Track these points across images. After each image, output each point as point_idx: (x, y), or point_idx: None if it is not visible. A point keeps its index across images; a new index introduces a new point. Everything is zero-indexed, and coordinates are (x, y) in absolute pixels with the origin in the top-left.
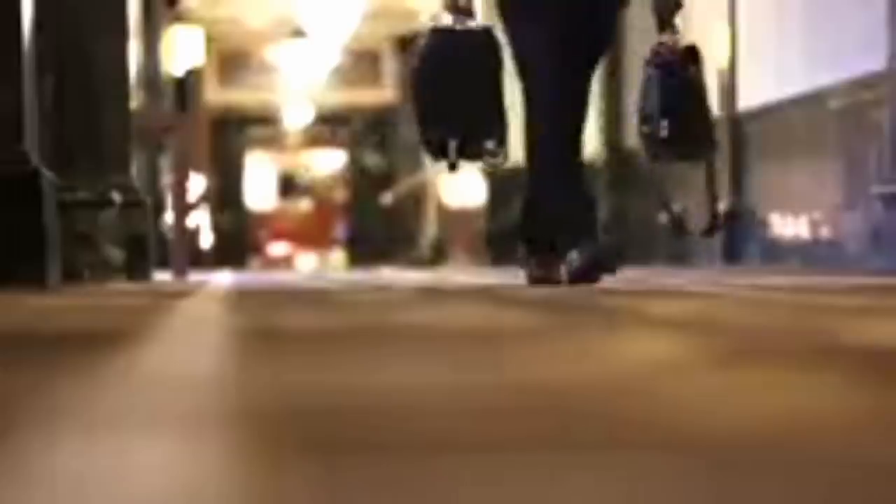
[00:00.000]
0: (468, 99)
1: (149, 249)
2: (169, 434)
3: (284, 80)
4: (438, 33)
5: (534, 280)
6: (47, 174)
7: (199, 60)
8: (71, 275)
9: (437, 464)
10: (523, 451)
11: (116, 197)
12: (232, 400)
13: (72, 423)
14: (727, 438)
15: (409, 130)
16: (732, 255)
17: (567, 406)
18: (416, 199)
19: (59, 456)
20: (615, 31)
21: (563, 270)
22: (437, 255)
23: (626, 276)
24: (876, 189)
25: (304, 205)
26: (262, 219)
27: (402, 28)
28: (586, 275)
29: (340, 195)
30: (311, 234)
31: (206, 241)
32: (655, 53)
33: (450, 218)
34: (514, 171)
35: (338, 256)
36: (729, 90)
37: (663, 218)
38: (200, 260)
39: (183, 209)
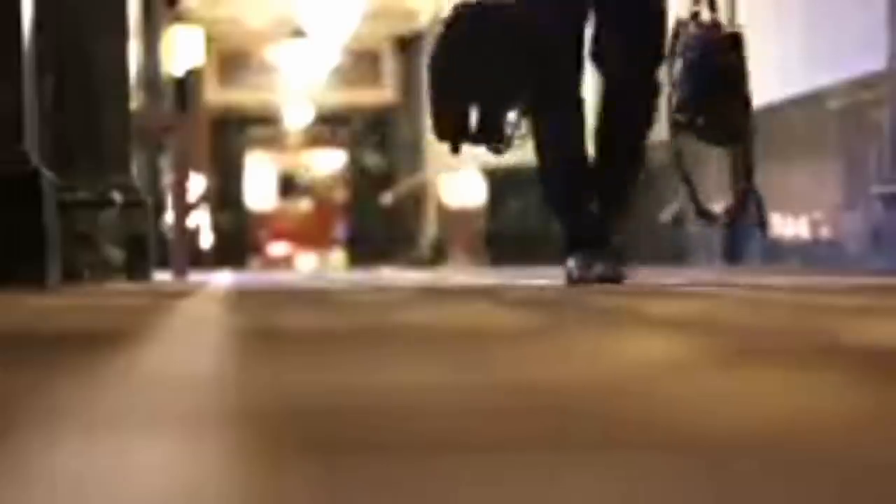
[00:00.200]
0: (495, 66)
1: (149, 249)
2: (169, 434)
3: (284, 80)
4: (467, 5)
5: (574, 280)
6: (47, 174)
7: (199, 60)
8: (71, 275)
9: (437, 464)
10: (524, 451)
11: (116, 197)
12: (232, 400)
13: (72, 423)
14: (727, 438)
15: (409, 130)
16: (732, 254)
17: (568, 406)
18: (416, 199)
19: (58, 456)
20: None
21: (601, 269)
22: (437, 256)
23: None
24: (876, 189)
25: (304, 205)
26: (262, 219)
27: (402, 28)
28: (616, 276)
29: (340, 195)
30: (311, 234)
31: (206, 241)
32: (694, 36)
33: (450, 218)
34: (514, 171)
35: (338, 256)
36: None
37: (672, 210)
38: (200, 260)
39: (183, 209)
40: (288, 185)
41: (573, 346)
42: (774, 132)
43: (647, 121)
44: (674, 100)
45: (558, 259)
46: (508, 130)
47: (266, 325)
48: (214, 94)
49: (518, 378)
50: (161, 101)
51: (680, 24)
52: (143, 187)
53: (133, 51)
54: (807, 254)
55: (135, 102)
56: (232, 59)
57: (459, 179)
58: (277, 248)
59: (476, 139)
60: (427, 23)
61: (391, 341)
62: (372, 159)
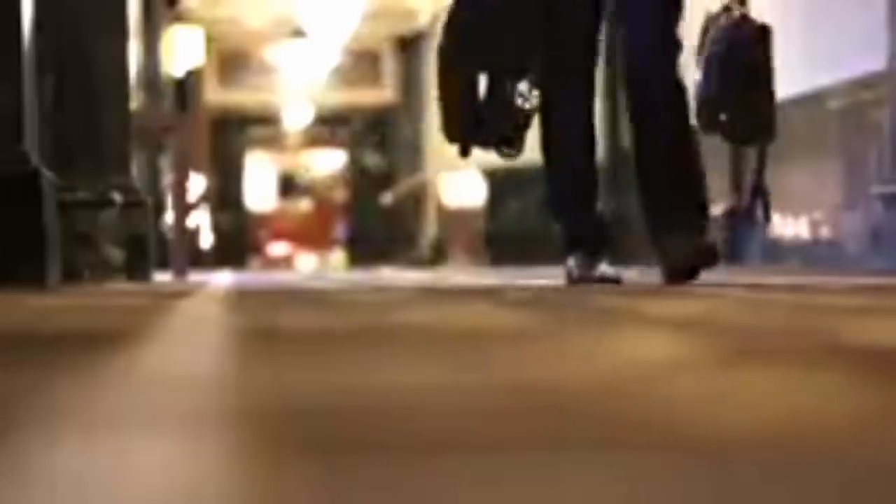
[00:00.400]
0: (509, 32)
1: (149, 249)
2: (169, 434)
3: (284, 81)
4: None
5: (574, 280)
6: (47, 174)
7: (199, 60)
8: (71, 275)
9: (437, 464)
10: (524, 451)
11: (116, 197)
12: (232, 400)
13: (72, 423)
14: (727, 438)
15: (409, 130)
16: (732, 254)
17: (567, 406)
18: (416, 199)
19: (58, 456)
20: None
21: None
22: (437, 256)
23: (626, 276)
24: (876, 189)
25: (304, 205)
26: (262, 219)
27: (402, 28)
28: (690, 272)
29: (340, 195)
30: (310, 235)
31: (206, 241)
32: (724, 28)
33: (450, 218)
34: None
35: (338, 256)
36: None
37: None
38: (200, 260)
39: (183, 209)
40: (288, 186)
41: (573, 346)
42: None
43: (680, 108)
44: (700, 96)
45: (558, 259)
46: (519, 101)
47: (266, 325)
48: (214, 95)
49: (518, 378)
50: (161, 102)
51: (710, 18)
52: (143, 187)
53: (133, 51)
54: (807, 254)
55: (135, 102)
56: (232, 60)
57: (459, 179)
58: (277, 249)
59: (486, 142)
60: (427, 23)
61: (391, 341)
62: (372, 159)
